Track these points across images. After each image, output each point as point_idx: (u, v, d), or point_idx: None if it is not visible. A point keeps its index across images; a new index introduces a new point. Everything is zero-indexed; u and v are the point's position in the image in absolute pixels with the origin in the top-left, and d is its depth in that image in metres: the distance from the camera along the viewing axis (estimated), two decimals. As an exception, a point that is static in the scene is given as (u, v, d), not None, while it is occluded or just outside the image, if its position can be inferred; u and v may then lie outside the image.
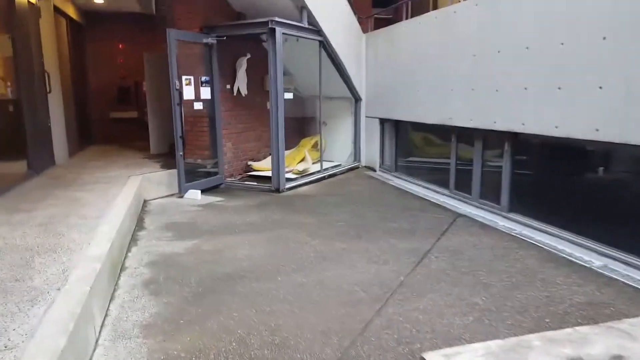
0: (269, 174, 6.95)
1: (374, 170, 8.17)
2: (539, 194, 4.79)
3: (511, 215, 4.69)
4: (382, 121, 7.96)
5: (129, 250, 4.05)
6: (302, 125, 9.10)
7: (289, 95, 6.64)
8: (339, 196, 6.22)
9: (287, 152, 7.42)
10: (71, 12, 7.96)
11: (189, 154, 6.87)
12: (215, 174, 6.81)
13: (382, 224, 4.80)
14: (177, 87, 5.81)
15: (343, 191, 6.58)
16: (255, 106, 7.69)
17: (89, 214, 4.12)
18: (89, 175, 5.84)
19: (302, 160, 7.84)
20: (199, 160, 6.87)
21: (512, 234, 4.34)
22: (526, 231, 4.32)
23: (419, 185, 6.64)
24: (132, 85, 9.49)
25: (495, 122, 4.88)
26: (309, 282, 3.30)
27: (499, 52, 4.88)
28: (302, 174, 7.25)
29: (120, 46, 9.26)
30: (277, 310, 2.87)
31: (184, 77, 5.99)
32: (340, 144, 8.67)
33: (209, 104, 6.64)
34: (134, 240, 4.32)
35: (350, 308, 2.88)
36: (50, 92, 6.34)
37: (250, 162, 7.53)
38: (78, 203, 4.49)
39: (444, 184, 6.09)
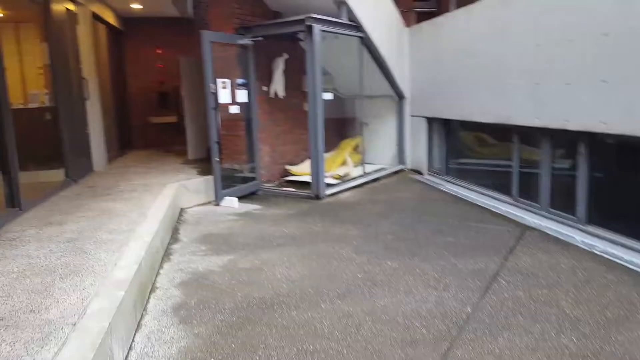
0: (308, 179, 6.57)
1: (421, 174, 7.61)
2: (623, 202, 4.11)
3: (590, 228, 4.04)
4: (430, 120, 7.39)
5: (161, 266, 3.77)
6: (341, 127, 8.67)
7: (328, 96, 6.23)
8: (385, 204, 5.74)
9: (326, 155, 7.02)
10: (110, 18, 7.92)
11: (225, 159, 6.60)
12: (253, 179, 6.50)
13: (437, 237, 4.29)
14: (213, 91, 5.53)
15: (389, 198, 6.09)
16: (293, 108, 7.33)
17: (120, 227, 3.87)
18: (125, 183, 5.67)
19: (343, 163, 7.40)
20: (236, 166, 6.58)
21: (595, 251, 3.71)
22: (611, 248, 3.68)
23: (475, 191, 6.04)
24: (171, 90, 9.40)
25: (567, 121, 4.24)
26: (357, 312, 2.86)
27: (570, 40, 4.24)
28: (343, 179, 6.82)
29: (159, 51, 9.18)
30: (321, 350, 2.45)
31: (219, 80, 5.70)
32: (382, 145, 8.16)
33: (246, 107, 6.33)
34: (167, 255, 4.04)
35: (410, 349, 2.42)
36: (88, 98, 6.24)
37: (288, 167, 7.18)
38: (110, 215, 4.27)
39: (504, 189, 5.46)
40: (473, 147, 7.08)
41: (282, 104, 7.05)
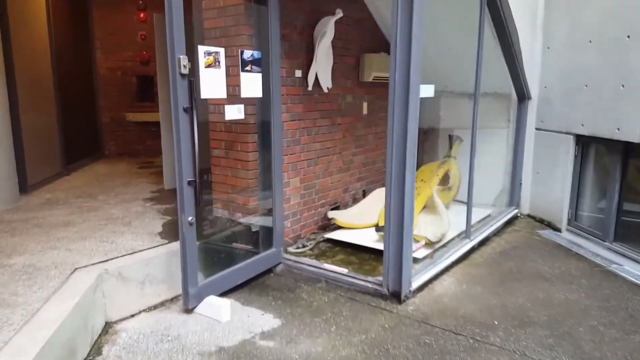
0: (369, 241, 3.56)
1: (556, 229, 4.43)
2: None
3: None
4: (582, 140, 4.19)
5: None
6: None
7: (427, 91, 3.07)
8: (551, 332, 2.61)
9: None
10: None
11: (219, 202, 3.62)
12: (268, 243, 3.46)
13: None
14: (182, 71, 2.48)
15: (543, 304, 2.94)
16: (345, 111, 4.27)
17: None
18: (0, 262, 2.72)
19: (426, 207, 4.31)
20: (238, 215, 3.57)
21: None
22: None
23: None
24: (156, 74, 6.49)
25: None
26: None
27: None
28: (435, 245, 3.70)
29: (142, 15, 6.25)
30: None
31: (202, 50, 2.65)
32: (482, 173, 4.98)
33: (259, 106, 3.31)
34: None
35: None
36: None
37: (331, 214, 4.11)
38: None
39: None
40: (635, 184, 3.89)
41: (325, 103, 4.00)
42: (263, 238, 3.52)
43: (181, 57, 2.44)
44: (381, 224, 3.86)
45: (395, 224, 2.92)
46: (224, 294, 2.93)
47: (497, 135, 4.97)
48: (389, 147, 2.84)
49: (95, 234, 3.16)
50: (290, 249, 3.68)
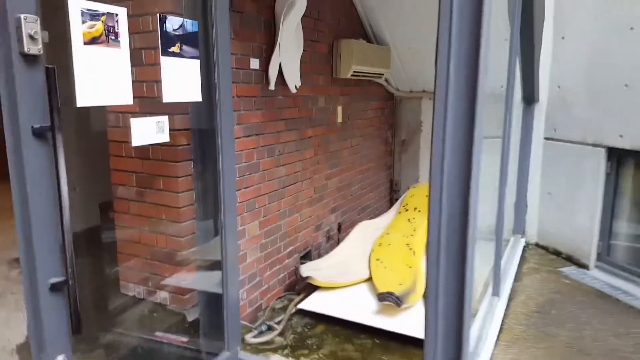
0: (369, 314, 2.37)
1: (582, 266, 3.53)
2: None
3: None
4: (616, 154, 3.31)
5: None
6: (386, 156, 4.44)
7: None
8: None
9: (366, 228, 2.96)
10: None
11: (130, 272, 2.22)
12: (215, 337, 2.11)
13: None
14: (28, 48, 1.09)
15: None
16: (315, 119, 3.04)
17: None
18: None
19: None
20: (163, 295, 2.18)
21: None
22: None
23: None
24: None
25: None
26: None
27: None
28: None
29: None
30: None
31: (77, 6, 1.28)
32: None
33: (197, 116, 1.97)
34: None
35: None
36: None
37: (305, 271, 2.82)
38: None
39: None
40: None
41: (293, 108, 2.74)
42: (206, 330, 2.17)
43: (23, 17, 1.05)
44: (381, 287, 2.66)
45: (449, 300, 1.69)
46: None
47: (493, 146, 4.01)
48: (436, 171, 1.62)
49: None
50: (249, 337, 2.35)
